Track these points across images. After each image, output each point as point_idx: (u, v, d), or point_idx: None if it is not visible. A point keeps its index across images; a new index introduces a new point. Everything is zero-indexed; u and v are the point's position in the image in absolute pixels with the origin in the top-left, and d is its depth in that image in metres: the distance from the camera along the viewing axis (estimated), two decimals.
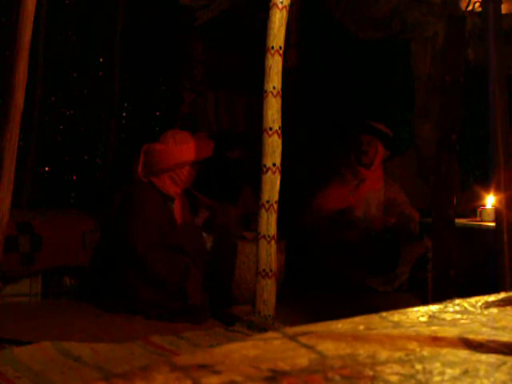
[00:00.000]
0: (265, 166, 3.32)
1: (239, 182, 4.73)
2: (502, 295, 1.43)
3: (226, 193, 4.58)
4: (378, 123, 4.95)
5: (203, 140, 4.09)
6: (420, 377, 0.86)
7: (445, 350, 0.98)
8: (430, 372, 0.88)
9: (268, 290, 3.31)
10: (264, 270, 3.30)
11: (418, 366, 0.90)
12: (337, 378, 0.85)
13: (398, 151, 5.23)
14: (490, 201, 3.96)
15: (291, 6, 3.45)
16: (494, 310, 1.30)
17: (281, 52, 3.36)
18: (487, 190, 3.95)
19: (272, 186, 3.32)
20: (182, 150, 3.95)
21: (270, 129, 3.33)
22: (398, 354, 0.95)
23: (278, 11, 3.35)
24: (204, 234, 4.12)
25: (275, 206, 3.32)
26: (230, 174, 4.69)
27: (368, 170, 4.93)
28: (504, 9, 3.30)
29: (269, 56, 3.35)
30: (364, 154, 4.90)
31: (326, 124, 5.55)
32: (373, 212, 4.90)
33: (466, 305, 1.33)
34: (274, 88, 3.34)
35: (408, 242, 4.70)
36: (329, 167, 5.16)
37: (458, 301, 1.35)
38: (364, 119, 5.02)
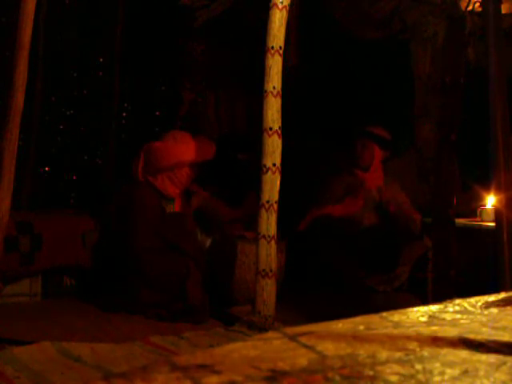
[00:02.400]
0: (265, 166, 3.32)
1: (246, 185, 4.71)
2: (502, 295, 1.42)
3: (231, 194, 4.56)
4: (376, 127, 4.91)
5: (204, 142, 4.07)
6: (420, 377, 0.86)
7: (445, 350, 0.98)
8: (430, 372, 0.88)
9: (268, 290, 3.31)
10: (264, 270, 3.30)
11: (418, 366, 0.90)
12: (337, 378, 0.85)
13: (398, 151, 5.22)
14: (491, 201, 3.96)
15: (291, 5, 3.45)
16: (494, 310, 1.30)
17: (281, 52, 3.36)
18: (487, 190, 3.95)
19: (272, 186, 3.31)
20: (181, 149, 3.94)
21: (270, 129, 3.33)
22: (398, 354, 0.95)
23: (277, 11, 3.35)
24: (201, 234, 4.11)
25: (275, 206, 3.31)
26: (238, 175, 4.67)
27: (366, 173, 4.90)
28: (504, 9, 3.31)
29: (269, 56, 3.35)
30: (359, 158, 4.89)
31: (326, 124, 5.54)
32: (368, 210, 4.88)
33: (465, 305, 1.32)
34: (274, 88, 3.34)
35: (408, 242, 4.69)
36: (329, 167, 5.15)
37: (458, 301, 1.35)
38: (361, 126, 4.98)
